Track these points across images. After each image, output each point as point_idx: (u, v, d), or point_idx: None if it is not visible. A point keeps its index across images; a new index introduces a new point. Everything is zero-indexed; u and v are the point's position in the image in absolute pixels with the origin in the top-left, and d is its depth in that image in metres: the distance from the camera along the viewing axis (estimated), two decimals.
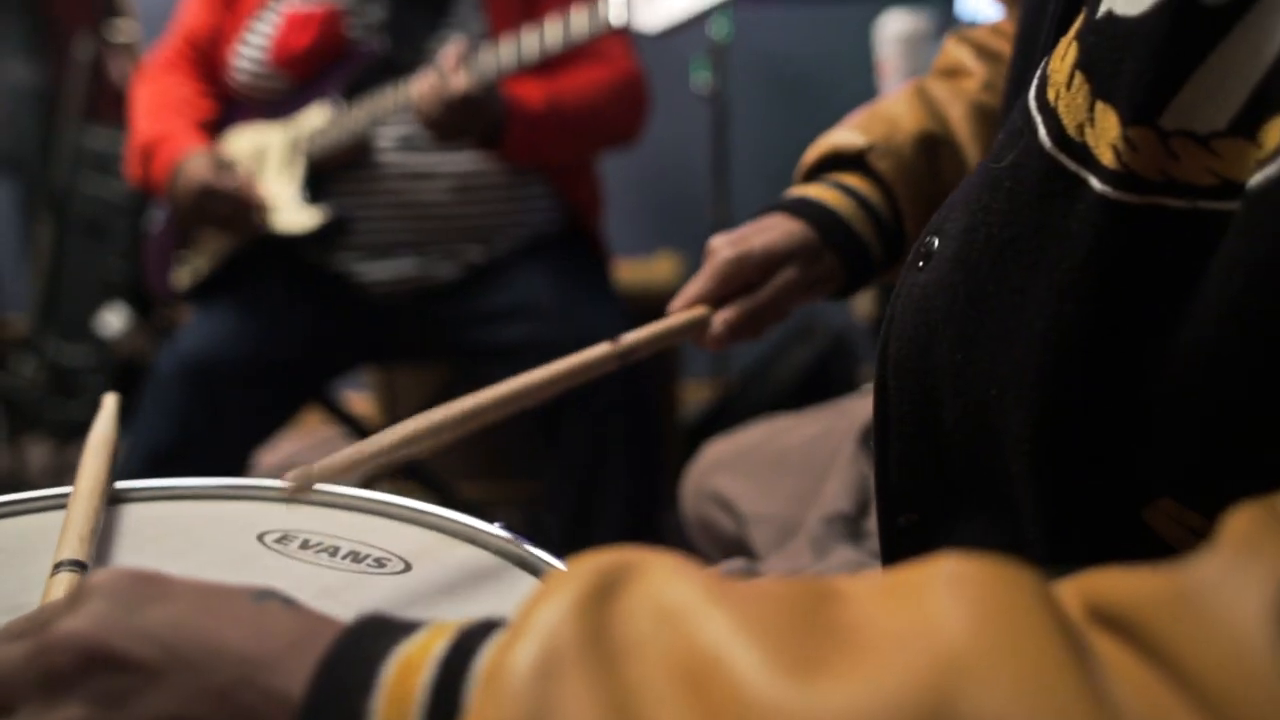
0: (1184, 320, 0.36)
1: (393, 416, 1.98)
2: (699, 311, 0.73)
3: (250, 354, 1.40)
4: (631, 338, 0.68)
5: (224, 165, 1.43)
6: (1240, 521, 0.27)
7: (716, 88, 1.97)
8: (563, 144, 1.46)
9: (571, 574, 0.29)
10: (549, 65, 1.37)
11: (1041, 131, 0.40)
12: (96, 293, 2.31)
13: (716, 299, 0.74)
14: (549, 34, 1.27)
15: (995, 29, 0.81)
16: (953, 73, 0.80)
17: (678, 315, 0.73)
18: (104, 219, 2.31)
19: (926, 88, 0.78)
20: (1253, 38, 0.33)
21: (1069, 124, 0.39)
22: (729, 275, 0.73)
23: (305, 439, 2.31)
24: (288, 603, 0.34)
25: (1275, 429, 0.34)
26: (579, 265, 1.50)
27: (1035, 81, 0.42)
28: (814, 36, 2.22)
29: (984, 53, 0.79)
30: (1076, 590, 0.29)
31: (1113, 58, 0.37)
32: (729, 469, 0.96)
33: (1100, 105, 0.38)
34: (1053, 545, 0.42)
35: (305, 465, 0.45)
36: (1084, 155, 0.38)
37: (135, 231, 2.28)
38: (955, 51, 0.80)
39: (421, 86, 1.31)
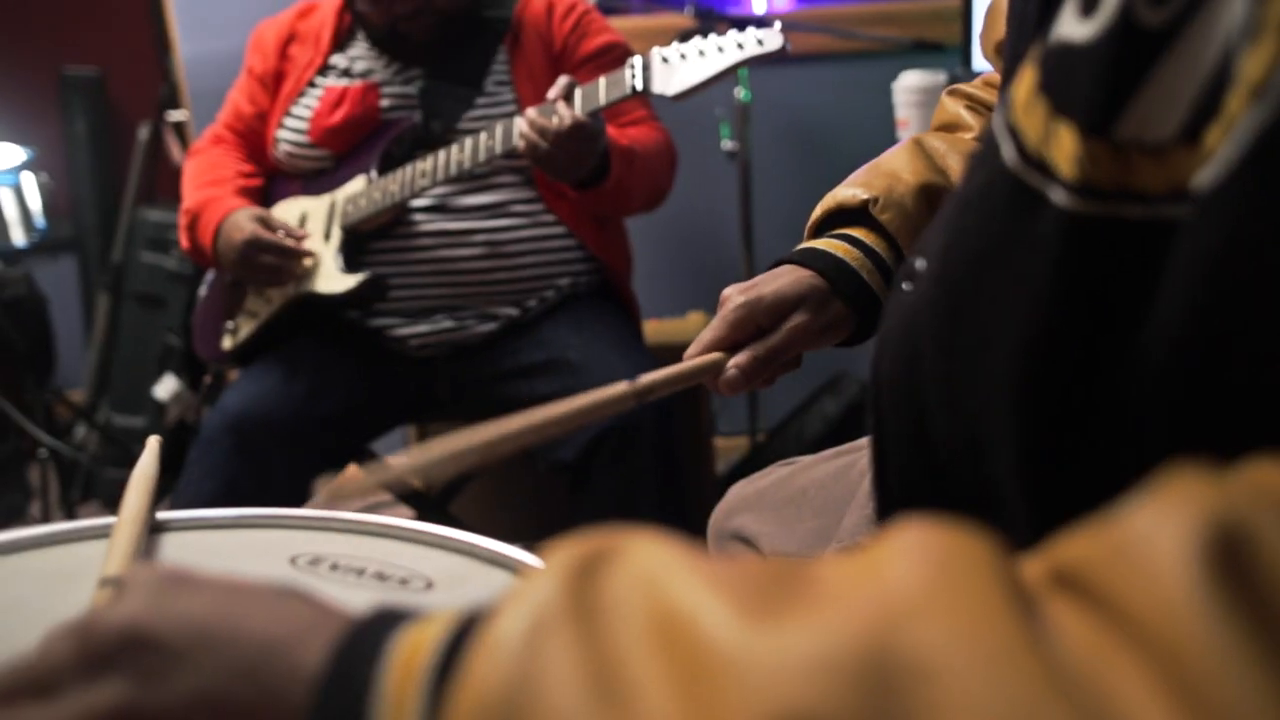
0: (1148, 322, 0.38)
1: (428, 475, 2.02)
2: (713, 357, 0.76)
3: (293, 413, 1.45)
4: (648, 379, 0.71)
5: (266, 220, 1.49)
6: (1174, 476, 0.29)
7: (740, 147, 2.02)
8: (640, 188, 1.51)
9: (560, 553, 0.32)
10: None
11: (1006, 151, 0.43)
12: (151, 364, 2.40)
13: (730, 345, 0.77)
14: (577, 99, 1.32)
15: (987, 81, 0.85)
16: (950, 127, 0.83)
17: (695, 360, 0.76)
18: (159, 294, 2.41)
19: (925, 141, 0.81)
20: (1190, 54, 0.36)
21: (1030, 142, 0.42)
22: (741, 321, 0.76)
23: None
24: (307, 598, 0.37)
25: (1238, 423, 0.35)
26: (610, 321, 1.54)
27: (1000, 105, 0.45)
28: (835, 95, 2.27)
29: (977, 105, 0.83)
30: (1041, 560, 0.31)
31: (1067, 78, 0.40)
32: (751, 509, 0.97)
33: (1058, 122, 0.41)
34: (1042, 543, 0.44)
35: (334, 484, 0.48)
36: (1045, 171, 0.41)
37: (188, 306, 2.37)
38: (951, 106, 0.84)
39: (527, 124, 1.33)
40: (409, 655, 0.32)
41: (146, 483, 0.60)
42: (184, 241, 1.58)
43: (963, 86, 0.88)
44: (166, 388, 2.33)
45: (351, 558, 0.56)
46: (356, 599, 0.51)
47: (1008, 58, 0.57)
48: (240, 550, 0.57)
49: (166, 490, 2.36)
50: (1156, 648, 0.24)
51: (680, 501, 1.45)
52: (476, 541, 0.57)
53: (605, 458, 1.39)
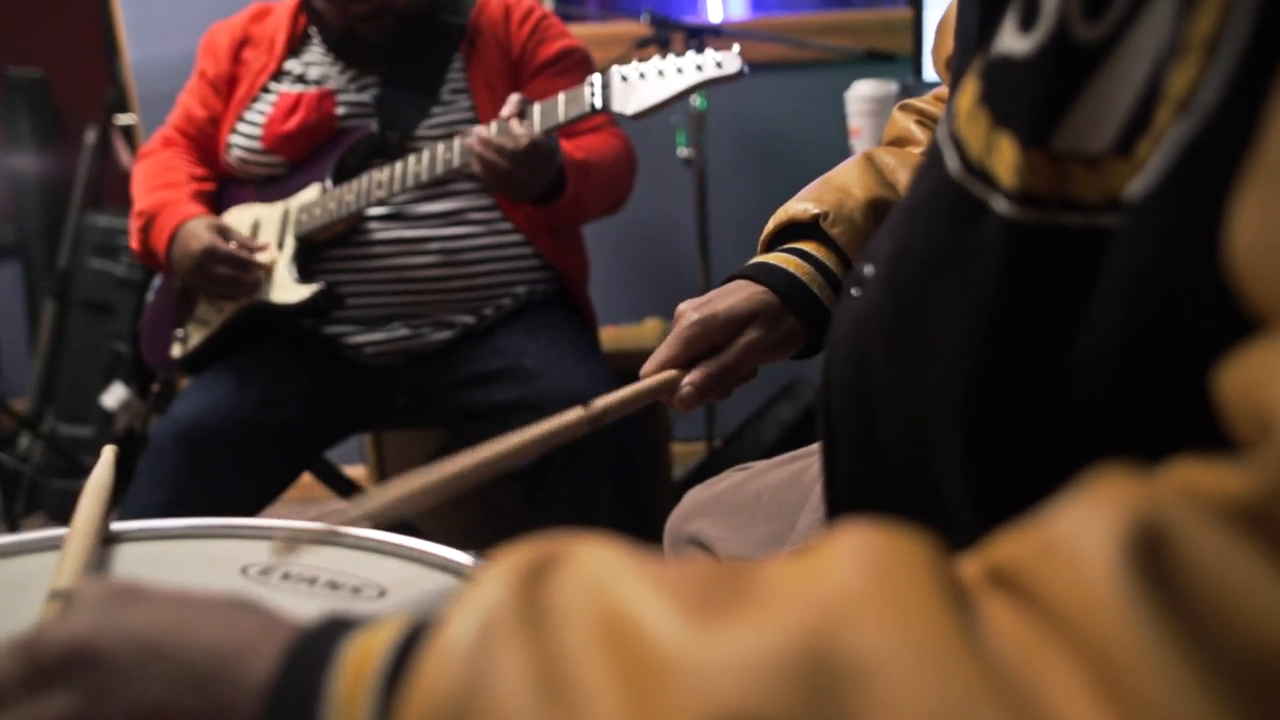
0: (1085, 327, 0.39)
1: (385, 483, 2.01)
2: (668, 375, 0.77)
3: (246, 420, 1.43)
4: (603, 402, 0.71)
5: (223, 230, 1.47)
6: (1100, 477, 0.30)
7: (695, 155, 2.04)
8: (597, 199, 1.51)
9: (509, 558, 0.32)
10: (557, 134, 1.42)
11: (949, 160, 0.44)
12: (98, 373, 2.35)
13: (684, 362, 0.77)
14: (536, 116, 1.33)
15: (937, 96, 0.86)
16: (900, 141, 0.85)
17: (649, 379, 0.77)
18: (107, 300, 2.37)
19: (875, 156, 0.83)
20: (1121, 69, 0.38)
21: (973, 151, 0.43)
22: (695, 338, 0.77)
23: (299, 508, 2.33)
24: (257, 608, 0.37)
25: (1168, 426, 0.37)
26: (567, 329, 1.54)
27: (945, 116, 0.46)
28: (789, 103, 2.29)
29: (927, 120, 0.84)
30: (977, 560, 0.32)
31: (1007, 90, 0.42)
32: (707, 514, 0.98)
33: (999, 133, 0.42)
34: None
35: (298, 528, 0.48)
36: (987, 180, 0.42)
37: (137, 313, 2.33)
38: (902, 121, 0.86)
39: (480, 142, 1.32)
40: (359, 661, 0.33)
41: (100, 493, 0.60)
42: (135, 244, 1.55)
43: (914, 102, 0.90)
44: (115, 396, 2.29)
45: (303, 567, 0.55)
46: (308, 608, 0.50)
47: (955, 71, 0.58)
48: (192, 561, 0.57)
49: (115, 500, 2.32)
50: (1083, 643, 0.25)
51: (637, 507, 1.45)
52: (428, 549, 0.57)
53: (561, 464, 1.39)
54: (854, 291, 0.53)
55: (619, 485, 1.41)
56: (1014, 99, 0.41)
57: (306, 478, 1.65)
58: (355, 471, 2.19)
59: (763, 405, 2.10)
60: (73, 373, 2.40)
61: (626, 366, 1.66)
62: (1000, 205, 0.42)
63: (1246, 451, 0.28)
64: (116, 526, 0.60)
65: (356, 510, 0.51)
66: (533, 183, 1.35)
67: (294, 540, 0.48)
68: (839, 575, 0.28)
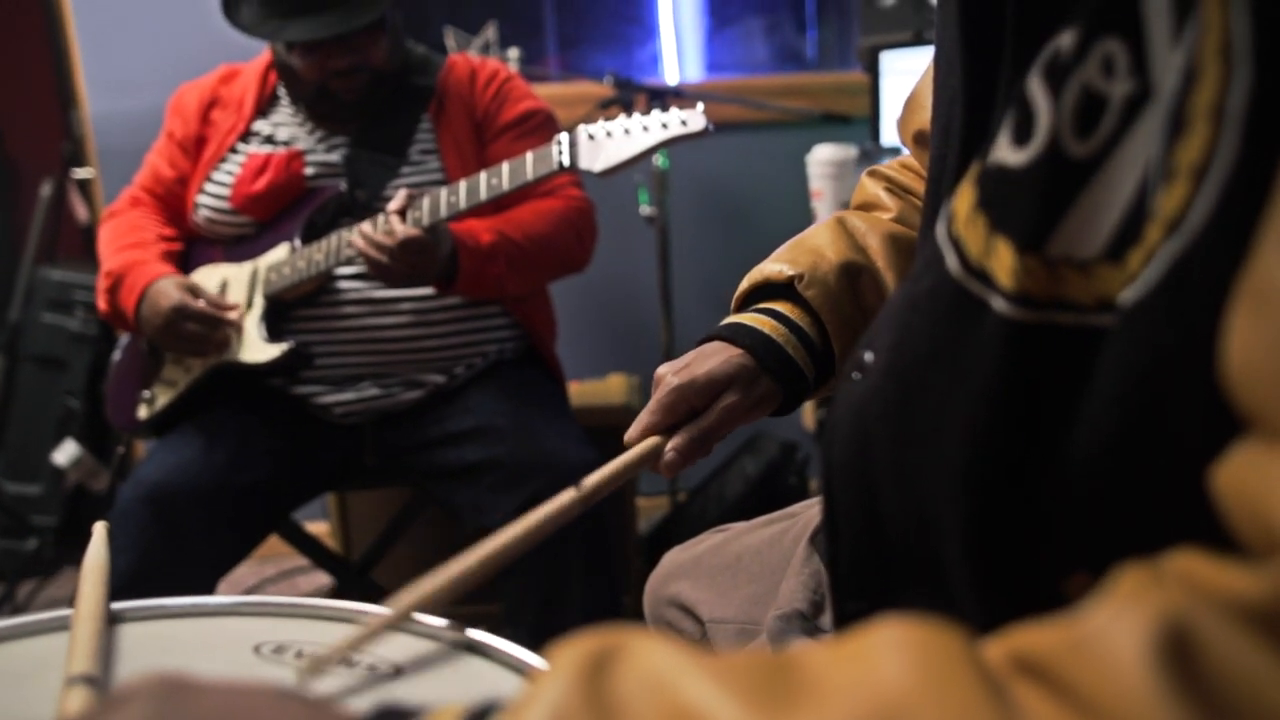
0: (1080, 420, 0.42)
1: (348, 542, 1.99)
2: (651, 443, 0.79)
3: (214, 481, 1.41)
4: (593, 480, 0.73)
5: (192, 288, 1.47)
6: (1124, 578, 0.32)
7: (658, 213, 2.07)
8: (515, 275, 1.51)
9: (567, 653, 0.34)
10: (503, 201, 1.45)
11: (950, 260, 0.47)
12: (49, 429, 2.30)
13: (665, 427, 0.80)
14: (504, 175, 1.35)
15: (903, 164, 0.91)
16: (868, 206, 0.89)
17: (633, 450, 0.79)
18: (60, 356, 2.32)
19: (846, 220, 0.86)
20: (1112, 182, 0.41)
21: (972, 253, 0.46)
22: (675, 404, 0.79)
23: (264, 568, 2.29)
24: (305, 699, 0.38)
25: (1164, 508, 0.40)
26: (536, 387, 1.55)
27: (942, 216, 0.49)
28: (749, 163, 2.35)
29: (895, 187, 0.88)
30: (1001, 645, 0.34)
31: (1004, 198, 0.45)
32: (688, 576, 1.00)
33: (997, 237, 0.45)
34: (985, 617, 0.48)
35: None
36: (986, 280, 0.45)
37: (92, 369, 2.29)
38: (871, 187, 0.90)
39: (361, 238, 1.37)
40: None
41: (99, 573, 0.60)
42: (103, 305, 1.54)
43: (881, 168, 0.94)
44: (66, 453, 2.24)
45: (315, 644, 0.56)
46: (324, 686, 0.51)
47: (934, 156, 0.62)
48: (203, 641, 0.57)
49: (66, 561, 2.26)
50: None
51: (608, 564, 1.46)
52: (440, 625, 0.58)
53: None
54: (855, 375, 0.55)
55: (590, 542, 1.42)
56: (1010, 207, 0.44)
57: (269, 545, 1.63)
58: (318, 528, 2.17)
59: (726, 460, 2.13)
60: (22, 429, 2.34)
61: (592, 422, 1.69)
62: (999, 304, 0.45)
63: (1252, 554, 0.30)
64: (119, 606, 0.60)
65: (366, 629, 0.53)
66: (411, 275, 1.39)
67: (320, 664, 0.50)
68: (890, 673, 0.30)
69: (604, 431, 1.59)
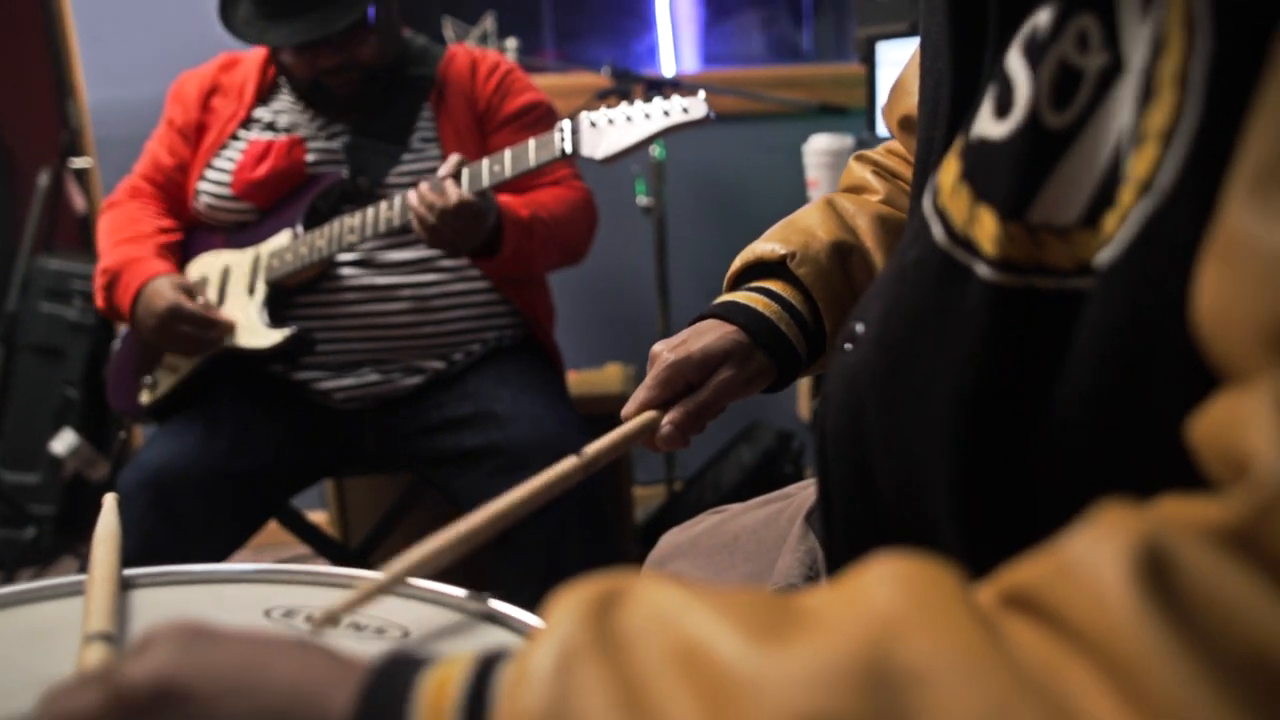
0: (1061, 379, 0.44)
1: (346, 531, 2.00)
2: (649, 416, 0.80)
3: (215, 467, 1.43)
4: (594, 449, 0.74)
5: (188, 288, 1.48)
6: (1104, 510, 0.34)
7: (655, 204, 2.09)
8: (544, 253, 1.54)
9: (571, 596, 0.35)
10: (513, 187, 1.46)
11: (936, 230, 0.49)
12: (47, 418, 2.31)
13: (662, 402, 0.81)
14: (506, 162, 1.36)
15: (889, 149, 0.92)
16: (857, 189, 0.90)
17: (630, 423, 0.80)
18: (58, 345, 2.33)
19: (835, 201, 0.88)
20: (1087, 151, 0.43)
21: (957, 223, 0.48)
22: (671, 379, 0.80)
23: (255, 554, 2.30)
24: (325, 648, 0.39)
25: (1146, 464, 0.41)
26: (535, 374, 1.56)
27: (928, 190, 0.51)
28: (745, 154, 2.37)
29: (881, 170, 0.90)
30: (989, 586, 0.36)
31: (987, 169, 0.47)
32: (685, 556, 1.01)
33: (980, 207, 0.47)
34: (974, 576, 0.49)
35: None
36: (970, 248, 0.47)
37: (90, 359, 2.30)
38: (858, 170, 0.91)
39: (417, 199, 1.36)
40: (436, 692, 0.35)
41: (112, 540, 0.61)
42: (100, 301, 1.55)
43: (869, 153, 0.95)
44: (64, 442, 2.25)
45: (325, 611, 0.57)
46: (343, 648, 0.52)
47: (921, 139, 0.63)
48: (214, 605, 0.58)
49: (69, 549, 2.27)
50: (1104, 654, 0.29)
51: (607, 550, 1.47)
52: (448, 591, 0.59)
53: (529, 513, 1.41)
54: (847, 347, 0.57)
55: (589, 528, 1.43)
56: (992, 178, 0.46)
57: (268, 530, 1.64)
58: (317, 517, 2.18)
59: (723, 448, 2.15)
60: (20, 418, 2.35)
61: (590, 411, 1.70)
62: (982, 270, 0.46)
63: (1224, 488, 0.32)
64: (130, 572, 0.61)
65: (387, 574, 0.54)
66: (460, 240, 1.39)
67: (331, 616, 0.51)
68: (883, 597, 0.32)
69: (601, 420, 1.60)
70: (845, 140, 1.89)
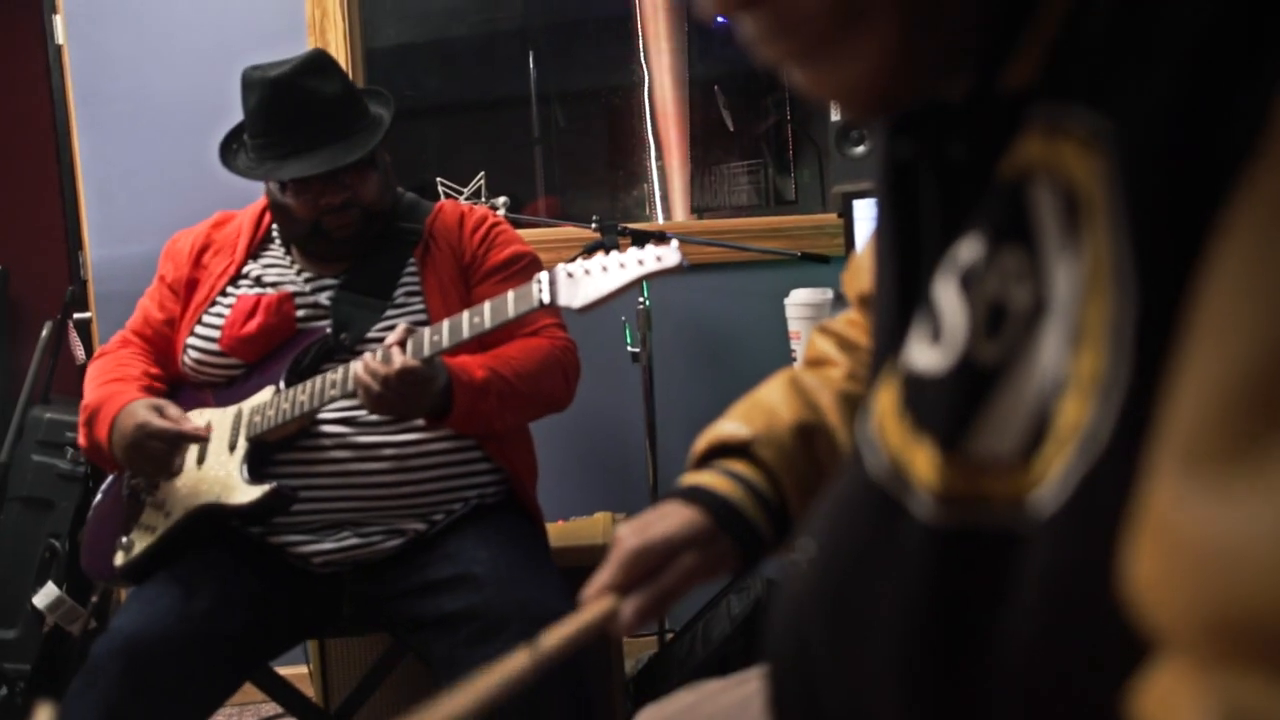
0: (1004, 622, 0.43)
1: (328, 686, 1.95)
2: (607, 604, 0.79)
3: (190, 632, 1.39)
4: (549, 642, 0.72)
5: (159, 408, 1.49)
6: None
7: (643, 351, 2.11)
8: (505, 411, 1.52)
9: None
10: (489, 340, 1.48)
11: (869, 460, 0.49)
12: (30, 571, 2.28)
13: (623, 585, 0.80)
14: (485, 314, 1.38)
15: (850, 320, 0.93)
16: (819, 363, 0.91)
17: (588, 611, 0.79)
18: (47, 496, 2.32)
19: (798, 378, 0.88)
20: (1016, 388, 0.43)
21: (891, 453, 0.48)
22: (633, 565, 0.79)
23: (245, 711, 2.23)
24: None
25: (1088, 691, 0.40)
26: (516, 534, 1.54)
27: (863, 415, 0.51)
28: (730, 302, 2.40)
29: (844, 343, 0.90)
30: None
31: (923, 402, 0.47)
32: None
33: (917, 437, 0.47)
34: None
35: None
36: (903, 482, 0.47)
37: (78, 509, 2.29)
38: (820, 343, 0.92)
39: (362, 367, 1.39)
40: None
41: None
42: (82, 439, 1.55)
43: (830, 324, 0.96)
44: (46, 596, 2.21)
45: None
46: None
47: (876, 352, 0.62)
48: None
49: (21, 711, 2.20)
50: None
51: (587, 708, 1.43)
52: None
53: None
54: (798, 558, 0.56)
55: (570, 700, 1.39)
56: (930, 409, 0.46)
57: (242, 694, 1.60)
58: (298, 671, 2.12)
59: (712, 598, 2.10)
60: (2, 571, 2.32)
61: (578, 561, 1.67)
62: (918, 507, 0.46)
63: None
64: None
65: None
66: (405, 406, 1.40)
67: None
68: None
69: (587, 571, 1.57)
70: (825, 294, 1.93)
